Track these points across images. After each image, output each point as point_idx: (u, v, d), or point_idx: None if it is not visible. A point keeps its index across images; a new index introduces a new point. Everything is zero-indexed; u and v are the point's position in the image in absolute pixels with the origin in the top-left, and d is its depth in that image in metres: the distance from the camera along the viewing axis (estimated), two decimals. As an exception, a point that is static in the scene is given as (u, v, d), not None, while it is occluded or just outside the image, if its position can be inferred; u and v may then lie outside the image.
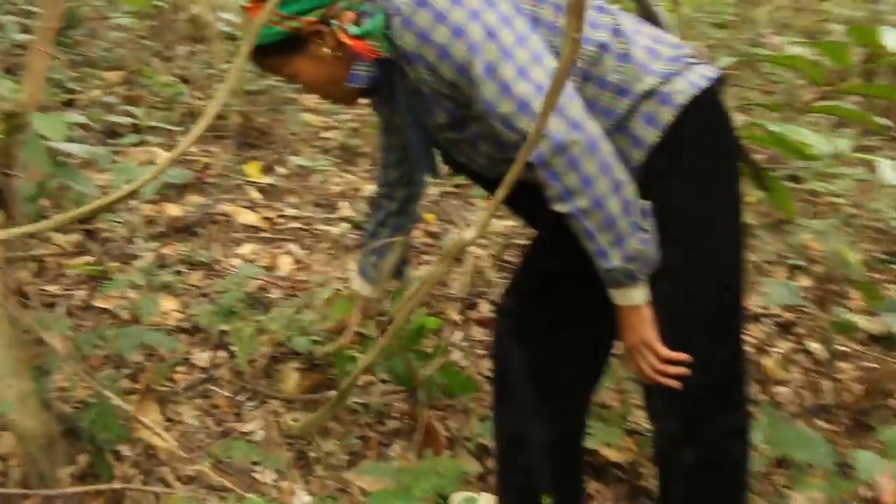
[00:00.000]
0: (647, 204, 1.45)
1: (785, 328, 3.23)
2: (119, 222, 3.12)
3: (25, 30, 3.86)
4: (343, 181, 3.89)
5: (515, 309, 1.82)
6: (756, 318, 3.26)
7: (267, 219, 3.48)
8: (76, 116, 2.19)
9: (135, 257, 2.99)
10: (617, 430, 2.27)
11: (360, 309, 2.05)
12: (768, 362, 2.94)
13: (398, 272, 2.11)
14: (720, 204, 1.56)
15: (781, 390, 2.84)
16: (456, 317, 2.92)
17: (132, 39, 4.63)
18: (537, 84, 1.35)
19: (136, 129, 3.79)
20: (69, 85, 4.06)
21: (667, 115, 1.47)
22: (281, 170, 3.88)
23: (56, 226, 1.55)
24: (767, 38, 7.58)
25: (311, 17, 1.46)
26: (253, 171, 3.78)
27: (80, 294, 2.65)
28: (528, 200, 1.67)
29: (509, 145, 1.44)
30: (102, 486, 1.83)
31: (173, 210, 3.38)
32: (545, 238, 1.82)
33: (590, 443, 2.17)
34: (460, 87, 1.43)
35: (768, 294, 2.65)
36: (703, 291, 1.55)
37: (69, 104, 3.90)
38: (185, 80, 4.54)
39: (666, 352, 1.52)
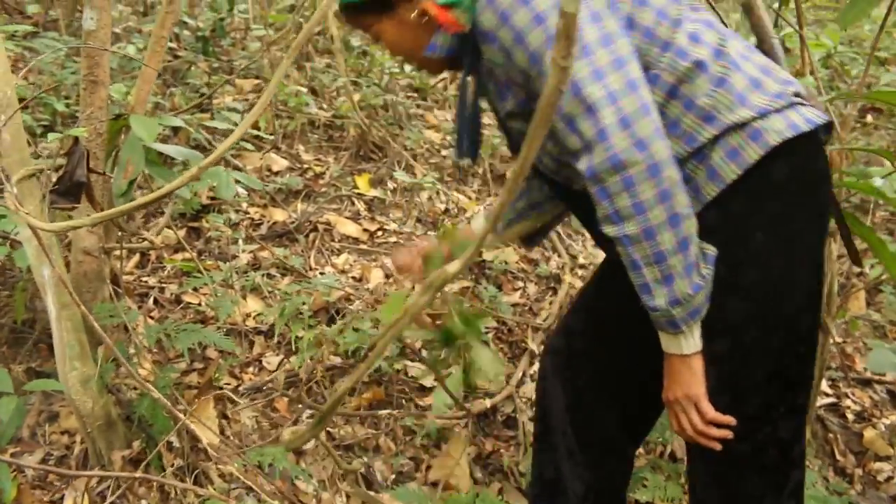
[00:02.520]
0: (710, 248, 1.32)
1: (898, 398, 2.97)
2: (223, 222, 3.25)
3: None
4: (450, 200, 3.90)
5: (562, 349, 1.76)
6: (866, 382, 3.02)
7: (367, 231, 3.54)
8: (175, 120, 2.28)
9: (233, 257, 3.11)
10: (675, 486, 2.15)
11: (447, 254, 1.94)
12: (871, 434, 2.71)
13: (531, 238, 1.91)
14: (800, 263, 1.39)
15: (883, 467, 2.61)
16: (535, 347, 2.86)
17: (270, 50, 4.84)
18: (611, 91, 1.23)
19: (256, 136, 3.94)
20: (204, 91, 4.29)
21: (753, 153, 1.31)
22: (390, 184, 3.93)
23: (108, 216, 1.62)
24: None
25: None
26: (362, 183, 3.85)
27: (172, 287, 2.78)
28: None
29: (569, 149, 1.35)
30: (149, 476, 1.89)
31: (279, 215, 3.50)
32: (604, 274, 1.75)
33: (642, 496, 2.07)
34: (531, 78, 1.33)
35: (869, 358, 2.44)
36: (764, 355, 1.39)
37: (200, 107, 4.12)
38: (314, 91, 4.70)
39: (712, 412, 1.37)
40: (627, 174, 1.22)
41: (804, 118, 1.33)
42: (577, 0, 0.79)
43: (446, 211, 3.81)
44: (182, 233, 3.20)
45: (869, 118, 5.66)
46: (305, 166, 3.95)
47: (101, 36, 2.17)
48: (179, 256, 3.00)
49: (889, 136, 5.23)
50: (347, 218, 3.59)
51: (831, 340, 2.50)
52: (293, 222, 3.45)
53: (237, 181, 2.31)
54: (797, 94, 1.36)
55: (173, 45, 4.90)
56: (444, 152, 4.48)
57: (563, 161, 1.43)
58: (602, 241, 1.68)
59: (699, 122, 1.33)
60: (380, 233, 3.55)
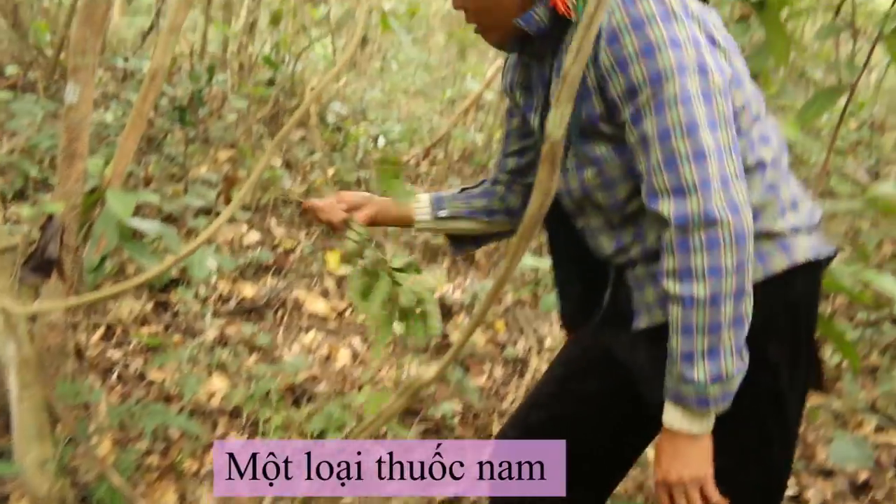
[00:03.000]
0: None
1: (860, 490, 2.98)
2: (192, 296, 3.22)
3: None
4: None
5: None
6: (828, 473, 3.03)
7: (335, 310, 3.52)
8: (153, 196, 2.28)
9: (200, 332, 3.07)
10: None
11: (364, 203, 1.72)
12: (833, 529, 2.71)
13: (461, 244, 1.81)
14: (800, 377, 1.39)
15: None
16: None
17: (247, 122, 4.88)
18: (720, 145, 1.20)
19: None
20: (179, 160, 4.30)
21: (780, 263, 1.31)
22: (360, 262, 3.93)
23: (83, 303, 1.61)
24: (890, 167, 7.31)
25: None
26: (332, 260, 3.85)
27: (137, 363, 2.74)
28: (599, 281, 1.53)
29: (619, 190, 1.33)
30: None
31: (247, 290, 3.48)
32: (571, 375, 1.64)
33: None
34: (633, 95, 1.24)
35: (832, 450, 2.45)
36: (759, 461, 1.39)
37: (174, 177, 4.13)
38: (288, 164, 4.73)
39: (717, 495, 1.30)
40: (715, 233, 1.18)
41: (821, 244, 1.37)
42: (562, 127, 0.82)
43: (416, 291, 3.81)
44: (150, 306, 3.16)
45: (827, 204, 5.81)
46: (276, 241, 3.95)
47: (83, 109, 2.18)
48: (146, 330, 2.96)
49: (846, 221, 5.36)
50: (316, 295, 3.58)
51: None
52: (262, 298, 3.43)
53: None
54: (818, 223, 1.40)
55: (150, 113, 4.92)
56: (413, 231, 4.50)
57: (595, 193, 1.39)
58: (580, 305, 1.63)
59: None
60: (348, 312, 3.54)
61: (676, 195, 1.20)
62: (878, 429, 3.24)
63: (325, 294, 3.63)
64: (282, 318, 3.36)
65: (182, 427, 2.15)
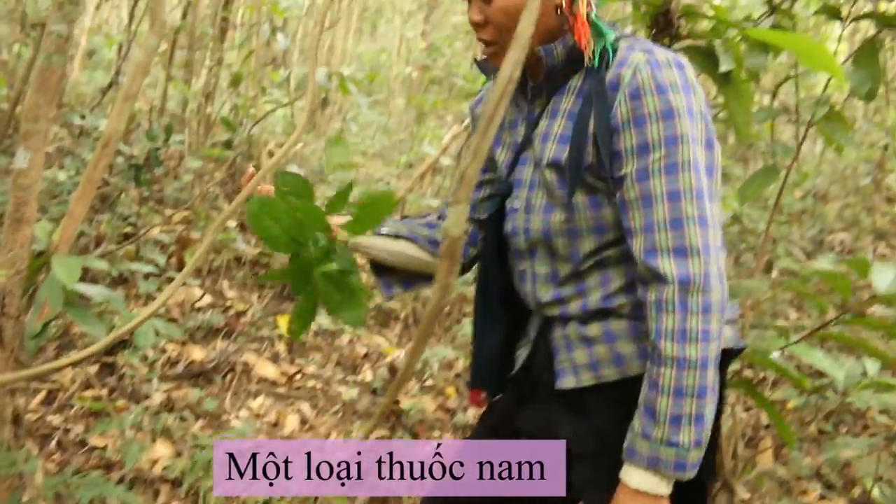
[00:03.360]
0: None
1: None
2: (138, 359, 3.18)
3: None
4: (371, 344, 3.91)
5: None
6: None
7: (285, 374, 3.50)
8: (100, 263, 2.27)
9: (145, 397, 3.03)
10: None
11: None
12: None
13: (390, 283, 1.70)
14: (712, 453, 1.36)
15: None
16: None
17: (203, 183, 4.89)
18: (714, 218, 1.25)
19: (181, 270, 3.92)
20: (133, 220, 4.28)
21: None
22: (312, 325, 3.93)
23: (22, 378, 1.59)
24: (833, 235, 7.54)
25: None
26: (284, 323, 3.84)
27: (78, 429, 2.69)
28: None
29: (582, 242, 1.34)
30: None
31: (196, 353, 3.45)
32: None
33: None
34: (638, 152, 1.27)
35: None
36: None
37: (126, 237, 4.10)
38: (242, 226, 4.73)
39: None
40: (709, 299, 1.22)
41: (734, 336, 1.41)
42: (461, 224, 0.85)
43: (366, 355, 3.81)
44: (94, 368, 3.11)
45: (774, 273, 5.95)
46: (228, 303, 3.94)
47: (32, 175, 2.18)
48: (90, 394, 2.91)
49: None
50: (266, 359, 3.56)
51: (737, 499, 2.55)
52: (211, 362, 3.40)
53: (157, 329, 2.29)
54: (735, 318, 1.44)
55: (105, 173, 4.90)
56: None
57: (556, 239, 1.38)
58: (494, 362, 1.55)
59: None
60: (298, 376, 3.52)
61: (679, 255, 1.23)
62: (822, 497, 3.29)
63: (275, 358, 3.61)
64: (230, 382, 3.33)
65: (120, 498, 2.11)
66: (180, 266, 3.97)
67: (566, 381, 1.39)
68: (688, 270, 1.22)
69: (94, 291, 2.25)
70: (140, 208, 4.47)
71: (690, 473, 1.24)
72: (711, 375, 1.22)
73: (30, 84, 2.20)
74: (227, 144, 5.21)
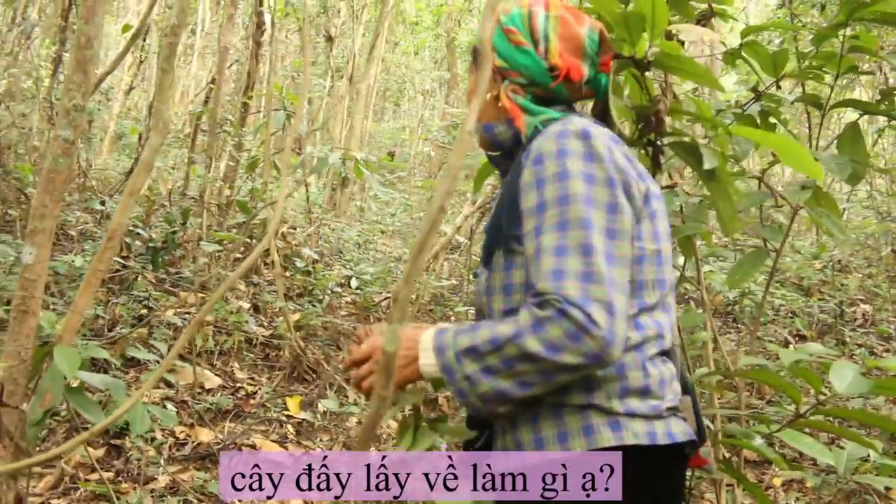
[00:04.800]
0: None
1: None
2: (146, 441, 3.24)
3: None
4: (381, 426, 3.93)
5: None
6: None
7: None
8: (101, 352, 2.36)
9: (151, 479, 3.07)
10: None
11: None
12: None
13: None
14: None
15: None
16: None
17: (218, 265, 5.01)
18: (612, 278, 1.26)
19: (193, 352, 4.01)
20: (148, 302, 4.39)
21: (605, 440, 1.31)
22: (321, 406, 3.97)
23: (23, 466, 1.65)
24: (855, 307, 7.47)
25: (499, 62, 1.52)
26: (293, 405, 3.89)
27: (82, 513, 2.73)
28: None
29: (515, 297, 1.38)
30: None
31: (204, 435, 3.50)
32: None
33: None
34: (536, 211, 1.33)
35: None
36: None
37: (140, 320, 4.21)
38: (256, 308, 4.83)
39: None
40: (580, 330, 1.22)
41: (666, 432, 1.35)
42: (395, 342, 0.92)
43: (376, 438, 3.83)
44: (102, 451, 3.17)
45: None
46: (238, 385, 4.00)
47: (38, 270, 2.28)
48: (96, 476, 2.96)
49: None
50: (274, 441, 3.60)
51: None
52: (218, 444, 3.45)
53: (158, 412, 2.35)
54: (673, 409, 1.40)
55: (124, 253, 5.05)
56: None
57: (494, 296, 1.43)
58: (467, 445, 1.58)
59: (581, 382, 1.33)
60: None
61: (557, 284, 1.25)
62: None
63: (283, 439, 3.65)
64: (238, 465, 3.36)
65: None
66: (191, 349, 4.05)
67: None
68: (565, 290, 1.23)
69: (94, 379, 2.33)
70: (156, 291, 4.58)
71: (449, 385, 1.32)
72: (519, 391, 1.27)
73: (38, 184, 2.32)
74: (240, 226, 5.34)
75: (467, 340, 1.31)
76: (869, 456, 2.68)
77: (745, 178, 2.84)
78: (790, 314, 6.85)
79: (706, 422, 2.27)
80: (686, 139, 2.19)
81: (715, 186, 2.27)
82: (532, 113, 1.49)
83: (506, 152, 1.57)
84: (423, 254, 0.92)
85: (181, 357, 4.04)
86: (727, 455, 2.78)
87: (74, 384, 2.87)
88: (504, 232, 1.42)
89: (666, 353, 1.44)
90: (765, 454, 2.07)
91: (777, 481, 4.30)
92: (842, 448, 2.72)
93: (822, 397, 1.98)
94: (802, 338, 6.48)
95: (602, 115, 1.64)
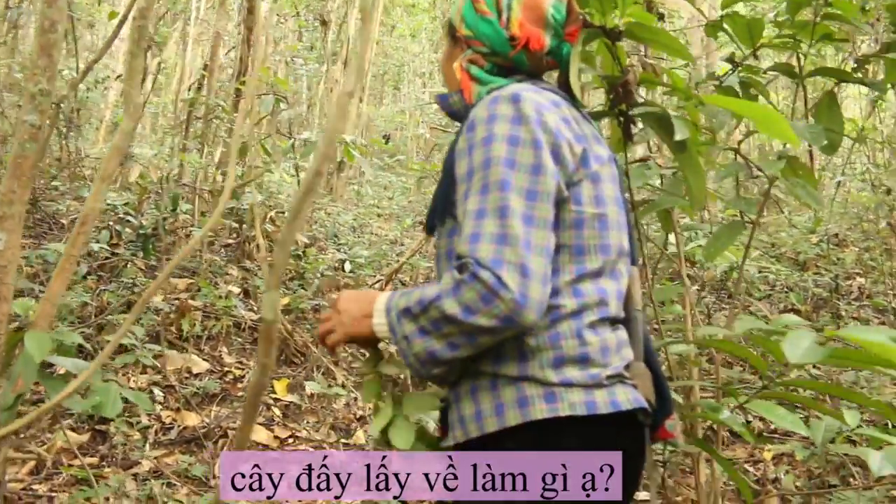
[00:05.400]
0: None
1: None
2: (131, 426, 3.25)
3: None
4: (366, 407, 3.94)
5: None
6: None
7: (278, 438, 3.55)
8: (73, 336, 2.36)
9: (135, 464, 3.09)
10: None
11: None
12: None
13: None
14: None
15: None
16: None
17: (211, 251, 5.02)
18: (528, 240, 1.25)
19: (181, 337, 4.02)
20: (138, 289, 4.40)
21: (538, 413, 1.29)
22: (308, 389, 3.99)
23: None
24: (851, 281, 7.44)
25: (463, 31, 1.54)
26: (280, 388, 3.90)
27: (63, 498, 2.75)
28: None
29: (441, 265, 1.43)
30: None
31: (191, 419, 3.51)
32: None
33: None
34: (466, 178, 1.34)
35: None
36: None
37: (129, 306, 4.22)
38: (246, 292, 4.84)
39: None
40: (491, 291, 1.22)
41: (610, 400, 1.32)
42: (275, 310, 0.91)
43: (361, 418, 3.85)
44: (86, 437, 3.19)
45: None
46: (226, 369, 4.01)
47: (8, 255, 2.29)
48: (78, 462, 2.98)
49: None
50: (260, 424, 3.61)
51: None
52: (204, 428, 3.46)
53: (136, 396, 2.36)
54: (618, 376, 1.37)
55: (114, 241, 5.06)
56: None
57: (442, 262, 1.47)
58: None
59: (514, 352, 1.32)
60: (290, 440, 3.56)
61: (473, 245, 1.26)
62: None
63: (269, 422, 3.66)
64: (221, 448, 3.37)
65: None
66: (179, 334, 4.07)
67: (450, 439, 1.40)
68: (477, 251, 1.24)
69: (66, 363, 2.33)
70: (145, 277, 4.59)
71: (392, 343, 1.34)
72: (444, 347, 1.28)
73: (6, 170, 2.33)
74: (233, 213, 5.34)
75: (404, 302, 1.32)
76: (846, 427, 2.66)
77: (722, 150, 2.82)
78: (786, 289, 6.83)
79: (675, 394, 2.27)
80: (657, 110, 2.17)
81: (685, 158, 2.24)
82: (482, 82, 1.49)
83: (461, 121, 1.56)
84: (297, 220, 0.91)
85: (169, 342, 4.06)
86: (705, 429, 2.78)
87: (61, 371, 2.89)
88: (447, 198, 1.42)
89: (614, 320, 1.41)
90: (732, 426, 2.06)
91: (767, 455, 4.30)
92: (819, 419, 2.72)
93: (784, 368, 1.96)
94: (798, 312, 6.46)
95: (566, 85, 1.59)
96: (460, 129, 1.43)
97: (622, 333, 1.43)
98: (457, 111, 1.55)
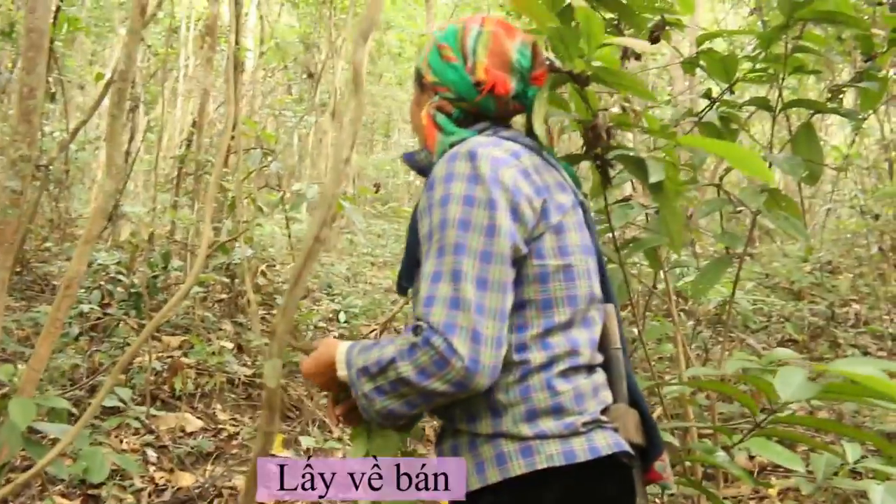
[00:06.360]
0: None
1: None
2: (123, 490, 3.20)
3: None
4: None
5: None
6: None
7: (273, 496, 3.49)
8: (58, 401, 2.34)
9: (129, 529, 3.04)
10: None
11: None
12: None
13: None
14: None
15: None
16: None
17: (202, 307, 5.00)
18: (481, 304, 1.25)
19: (174, 395, 3.98)
20: (127, 348, 4.37)
21: (517, 468, 1.28)
22: (304, 444, 3.94)
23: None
24: (847, 308, 7.40)
25: (430, 77, 1.53)
26: (275, 444, 3.85)
27: (55, 568, 2.70)
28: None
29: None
30: None
31: (185, 479, 3.46)
32: None
33: None
34: (426, 238, 1.34)
35: None
36: None
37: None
38: (240, 347, 4.81)
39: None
40: (441, 358, 1.23)
41: (588, 447, 1.31)
42: (276, 377, 0.90)
43: (359, 470, 3.79)
44: (78, 502, 3.14)
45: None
46: (220, 426, 3.97)
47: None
48: (70, 530, 2.93)
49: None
50: (256, 481, 3.56)
51: None
52: (198, 488, 3.41)
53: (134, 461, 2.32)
54: (595, 422, 1.35)
55: (105, 301, 5.04)
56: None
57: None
58: None
59: (487, 410, 1.33)
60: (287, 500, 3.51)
61: (426, 308, 1.26)
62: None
63: (265, 479, 3.61)
64: (216, 508, 3.32)
65: None
66: (171, 392, 4.03)
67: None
68: (431, 317, 1.24)
69: (52, 429, 2.31)
70: (137, 336, 4.56)
71: (355, 396, 1.34)
72: (397, 405, 1.30)
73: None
74: (224, 268, 5.34)
75: (362, 360, 1.33)
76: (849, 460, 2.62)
77: (702, 187, 2.82)
78: (782, 319, 6.80)
79: (674, 438, 2.24)
80: (631, 153, 2.17)
81: (662, 198, 2.24)
82: (446, 132, 1.47)
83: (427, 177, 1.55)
84: (298, 286, 0.91)
85: (162, 401, 4.02)
86: (705, 468, 2.74)
87: (52, 436, 2.86)
88: (414, 258, 1.43)
89: (590, 366, 1.40)
90: (729, 470, 2.03)
91: (773, 491, 4.25)
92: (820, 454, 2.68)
93: (775, 405, 1.94)
94: (795, 342, 6.42)
95: (532, 130, 1.58)
96: (424, 187, 1.42)
97: (599, 377, 1.42)
98: (424, 167, 1.54)
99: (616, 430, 1.38)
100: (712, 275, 2.62)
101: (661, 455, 1.49)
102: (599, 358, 1.44)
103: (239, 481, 3.51)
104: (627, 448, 1.36)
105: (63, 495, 3.13)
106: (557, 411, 1.32)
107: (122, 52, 2.71)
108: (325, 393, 1.50)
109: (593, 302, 1.43)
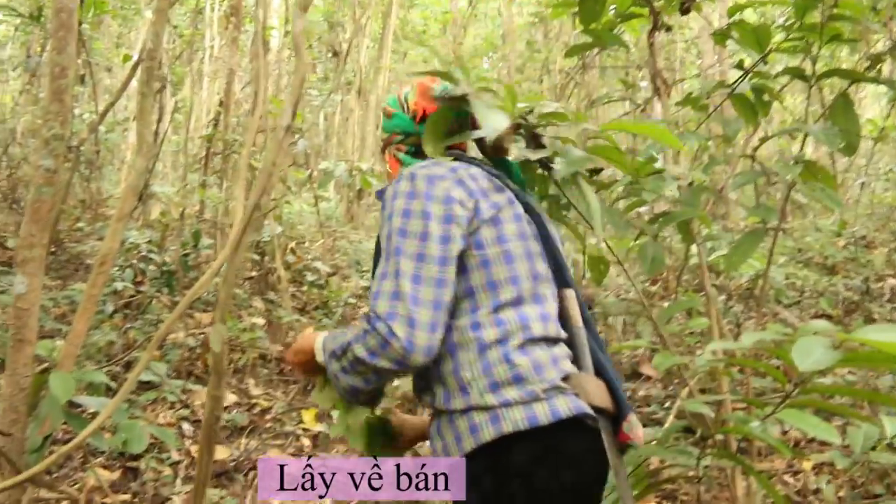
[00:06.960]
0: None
1: None
2: (161, 463, 3.26)
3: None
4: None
5: None
6: None
7: (308, 468, 3.54)
8: (98, 375, 2.38)
9: (167, 499, 3.10)
10: None
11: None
12: None
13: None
14: None
15: None
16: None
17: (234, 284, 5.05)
18: (416, 295, 1.47)
19: (208, 371, 4.03)
20: (161, 325, 4.44)
21: (487, 435, 1.48)
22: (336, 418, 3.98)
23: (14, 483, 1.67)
24: (882, 283, 7.30)
25: (385, 133, 1.86)
26: (308, 417, 3.90)
27: (96, 537, 2.76)
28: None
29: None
30: None
31: (221, 453, 3.51)
32: None
33: None
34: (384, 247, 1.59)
35: None
36: None
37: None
38: (270, 324, 4.85)
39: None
40: (384, 341, 1.45)
41: (550, 411, 1.48)
42: (220, 341, 0.90)
43: (391, 444, 3.83)
44: (118, 474, 3.20)
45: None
46: (254, 401, 4.02)
47: (31, 298, 2.31)
48: (111, 501, 2.99)
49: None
50: (290, 454, 3.61)
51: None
52: (234, 461, 3.46)
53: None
54: (556, 388, 1.52)
55: (138, 279, 5.11)
56: (395, 382, 4.56)
57: None
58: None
59: (457, 389, 1.52)
60: (321, 469, 3.55)
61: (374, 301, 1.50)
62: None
63: (298, 452, 3.66)
64: (252, 480, 3.37)
65: None
66: (205, 368, 4.08)
67: None
68: (377, 305, 1.48)
69: (92, 402, 2.35)
70: (170, 313, 4.62)
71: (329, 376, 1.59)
72: (347, 380, 1.54)
73: (25, 214, 2.35)
74: (255, 245, 5.38)
75: (331, 345, 1.58)
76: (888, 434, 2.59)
77: (734, 159, 2.79)
78: (816, 294, 6.73)
79: (709, 409, 2.23)
80: (545, 153, 2.09)
81: (575, 192, 2.15)
82: (404, 164, 1.79)
83: None
84: (237, 253, 0.91)
85: (196, 377, 4.08)
86: (739, 441, 2.73)
87: (91, 410, 2.91)
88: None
89: (549, 339, 1.58)
90: (765, 440, 2.02)
91: (807, 465, 4.22)
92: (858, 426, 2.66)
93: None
94: (829, 317, 6.36)
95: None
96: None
97: (559, 350, 1.59)
98: None
99: (577, 395, 1.54)
100: (746, 247, 2.60)
101: (626, 416, 1.63)
102: (562, 333, 1.63)
103: (273, 453, 3.56)
104: (588, 410, 1.53)
105: (104, 467, 3.20)
106: (518, 381, 1.50)
107: (149, 32, 2.73)
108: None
109: (539, 279, 1.62)
